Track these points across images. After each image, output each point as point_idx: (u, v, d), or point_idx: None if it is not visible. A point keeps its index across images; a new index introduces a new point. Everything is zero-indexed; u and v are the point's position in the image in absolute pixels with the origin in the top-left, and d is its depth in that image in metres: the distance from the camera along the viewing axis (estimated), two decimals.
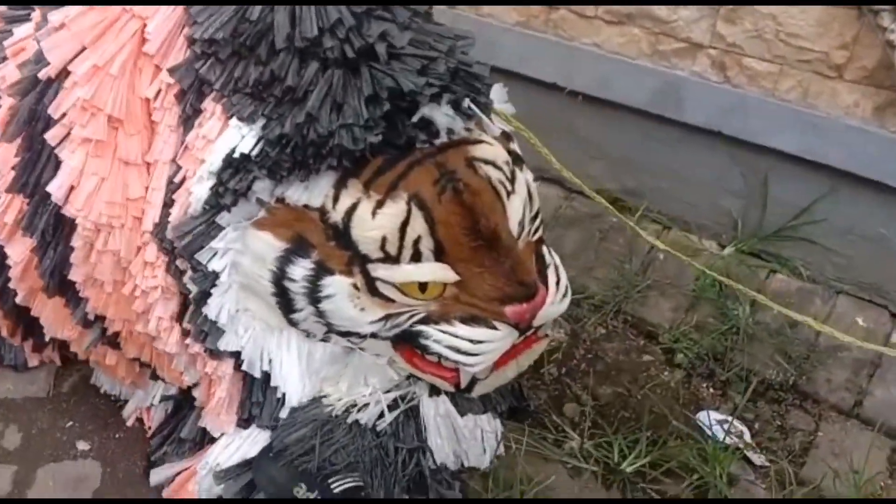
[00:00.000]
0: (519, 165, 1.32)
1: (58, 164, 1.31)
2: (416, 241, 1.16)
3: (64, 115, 1.28)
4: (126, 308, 1.38)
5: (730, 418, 1.83)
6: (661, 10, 1.98)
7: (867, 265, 2.02)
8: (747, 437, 1.82)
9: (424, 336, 1.24)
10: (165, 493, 1.53)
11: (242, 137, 1.17)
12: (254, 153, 1.15)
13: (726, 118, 1.99)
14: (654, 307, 2.09)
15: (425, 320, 1.23)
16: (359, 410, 1.41)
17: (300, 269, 1.21)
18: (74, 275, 1.37)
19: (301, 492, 1.36)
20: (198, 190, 1.21)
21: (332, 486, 1.35)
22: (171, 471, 1.54)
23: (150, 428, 1.64)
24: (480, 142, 1.24)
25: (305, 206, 1.17)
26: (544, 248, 1.35)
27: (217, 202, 1.19)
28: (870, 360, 1.94)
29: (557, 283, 1.31)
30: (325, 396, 1.42)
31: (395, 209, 1.15)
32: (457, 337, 1.23)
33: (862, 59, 1.77)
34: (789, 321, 2.01)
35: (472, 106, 1.23)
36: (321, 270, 1.20)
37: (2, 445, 1.64)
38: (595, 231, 2.27)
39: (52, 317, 1.51)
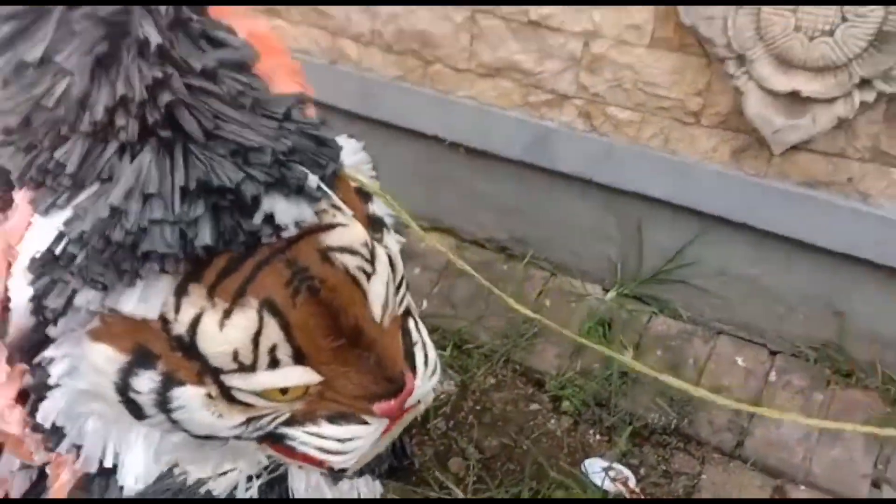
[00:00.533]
0: (378, 232, 1.24)
1: None
2: (272, 349, 1.04)
3: None
4: None
5: (615, 465, 1.82)
6: (528, 63, 2.03)
7: (743, 305, 2.07)
8: (632, 482, 1.82)
9: (290, 438, 1.16)
10: None
11: (44, 236, 1.03)
12: (60, 256, 1.00)
13: (596, 166, 2.03)
14: (542, 354, 2.09)
15: (289, 422, 1.14)
16: (213, 480, 1.34)
17: (146, 381, 1.08)
18: None
19: None
20: (18, 301, 1.07)
21: None
22: None
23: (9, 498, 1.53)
24: (333, 227, 1.11)
25: (143, 318, 1.02)
26: (411, 322, 1.26)
27: (41, 317, 1.04)
28: (750, 401, 1.97)
29: (426, 361, 1.23)
30: (176, 466, 1.35)
31: (244, 320, 1.02)
32: (323, 438, 1.15)
33: (716, 105, 1.84)
34: (672, 362, 2.04)
35: (322, 185, 1.09)
36: (169, 382, 1.07)
37: None
38: (483, 279, 2.27)
39: None
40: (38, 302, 1.02)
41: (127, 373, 1.07)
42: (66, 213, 1.00)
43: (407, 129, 2.29)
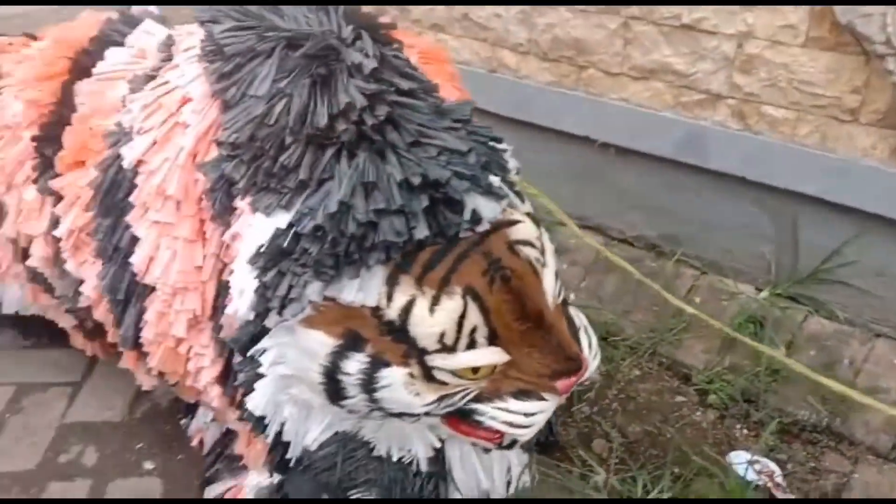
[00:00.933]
0: (538, 226, 1.35)
1: (133, 238, 1.44)
2: (473, 331, 1.18)
3: (141, 198, 1.43)
4: (180, 364, 1.50)
5: (761, 458, 1.84)
6: (681, 65, 2.09)
7: None
8: (778, 476, 1.83)
9: (479, 413, 1.29)
10: None
11: (267, 232, 1.18)
12: (292, 251, 1.15)
13: (750, 164, 2.05)
14: (689, 349, 2.13)
15: (478, 398, 1.27)
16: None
17: (355, 364, 1.22)
18: (147, 333, 1.49)
19: None
20: (242, 293, 1.23)
21: (351, 497, 1.47)
22: (223, 487, 1.68)
23: (204, 447, 1.79)
24: (516, 222, 1.26)
25: (361, 306, 1.18)
26: (571, 310, 1.38)
27: (265, 308, 1.20)
28: None
29: (590, 344, 1.36)
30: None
31: (452, 305, 1.17)
32: (510, 412, 1.27)
33: (875, 103, 1.82)
34: (826, 362, 2.02)
35: (504, 187, 1.26)
36: (377, 363, 1.21)
37: (81, 462, 1.84)
38: (633, 277, 2.35)
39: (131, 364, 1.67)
40: (263, 293, 1.18)
41: (338, 356, 1.21)
42: (290, 213, 1.16)
43: (558, 131, 2.41)
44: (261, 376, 1.31)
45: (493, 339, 1.21)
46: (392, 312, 1.17)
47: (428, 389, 1.24)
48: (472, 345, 1.20)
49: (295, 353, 1.25)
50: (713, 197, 2.19)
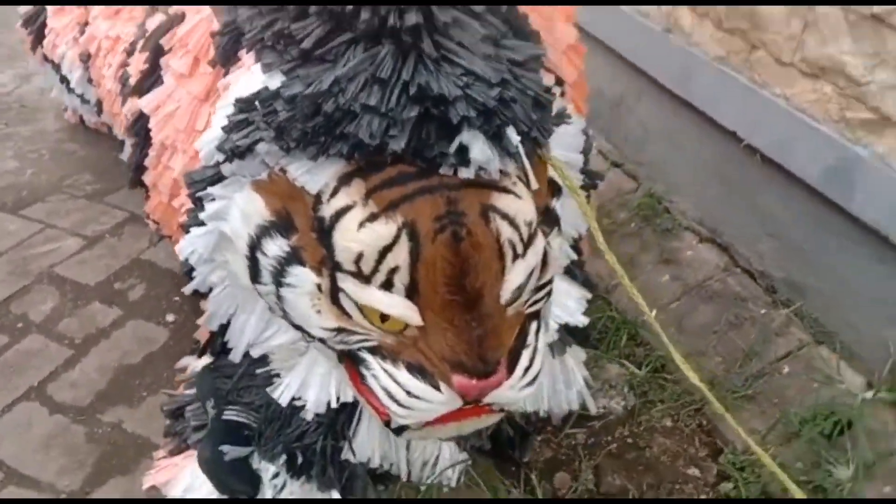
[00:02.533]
0: (549, 227, 1.19)
1: (158, 80, 1.57)
2: (392, 271, 1.06)
3: (171, 47, 1.57)
4: (173, 219, 1.57)
5: None
6: (856, 68, 1.56)
7: None
8: None
9: (366, 366, 1.17)
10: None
11: (257, 85, 1.14)
12: (264, 105, 1.10)
13: None
14: (742, 421, 1.68)
15: (374, 350, 1.16)
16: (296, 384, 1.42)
17: (275, 247, 1.15)
18: (146, 178, 1.64)
19: (208, 406, 1.48)
20: (208, 136, 1.22)
21: (224, 413, 1.45)
22: (186, 362, 1.67)
23: None
24: (507, 192, 1.08)
25: (303, 188, 1.10)
26: (533, 326, 1.21)
27: (223, 150, 1.17)
28: None
29: (527, 369, 1.17)
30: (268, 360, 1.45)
31: (382, 230, 1.04)
32: (395, 382, 1.15)
33: None
34: None
35: (520, 150, 1.08)
36: (293, 258, 1.14)
37: (127, 294, 2.08)
38: (731, 316, 1.90)
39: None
40: (227, 134, 1.14)
41: (265, 231, 1.15)
42: (282, 75, 1.09)
43: (711, 118, 1.98)
44: (201, 224, 1.27)
45: (412, 293, 1.07)
46: (328, 210, 1.07)
47: (330, 312, 1.13)
48: (388, 286, 1.06)
49: (236, 214, 1.20)
50: (856, 251, 1.65)
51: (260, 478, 1.37)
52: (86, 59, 2.11)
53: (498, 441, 1.61)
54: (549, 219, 1.20)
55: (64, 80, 2.45)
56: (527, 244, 1.10)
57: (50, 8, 2.35)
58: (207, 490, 1.39)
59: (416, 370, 1.12)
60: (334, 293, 1.11)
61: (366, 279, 1.07)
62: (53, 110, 2.95)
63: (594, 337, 1.89)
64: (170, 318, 2.00)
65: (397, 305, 1.07)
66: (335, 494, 1.42)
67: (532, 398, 1.56)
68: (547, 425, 1.71)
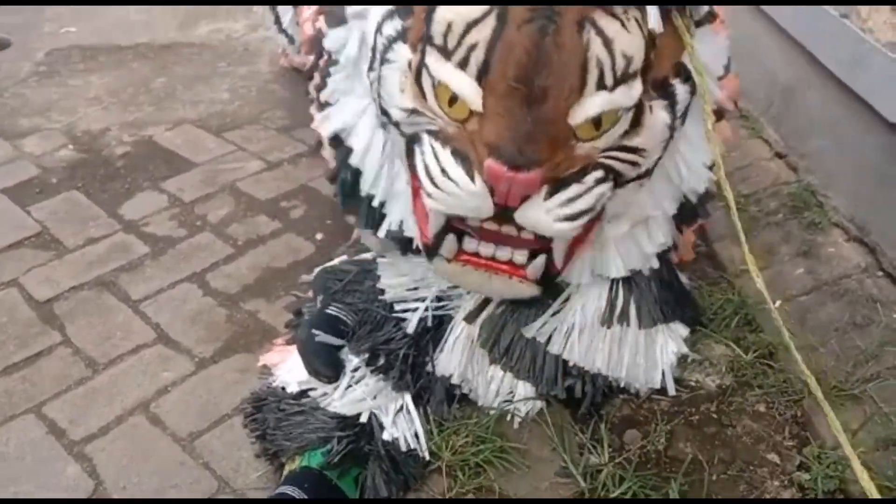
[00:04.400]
0: (660, 97, 1.20)
1: None
2: (472, 48, 1.11)
3: None
4: None
5: None
6: None
7: None
8: None
9: (420, 145, 1.24)
10: None
11: None
12: None
13: None
14: (840, 419, 1.59)
15: (434, 134, 1.22)
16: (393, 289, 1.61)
17: (390, 28, 1.25)
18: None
19: (318, 300, 1.68)
20: None
21: (328, 307, 1.63)
22: None
23: None
24: (614, 17, 1.10)
25: None
26: (598, 173, 1.20)
27: None
28: None
29: (571, 201, 1.18)
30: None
31: (477, 7, 1.11)
32: (437, 160, 1.20)
33: None
34: None
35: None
36: (400, 35, 1.24)
37: (289, 216, 2.37)
38: (858, 317, 1.78)
39: None
40: None
41: (389, 14, 1.27)
42: None
43: (876, 111, 1.85)
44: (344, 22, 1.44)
45: (482, 77, 1.12)
46: None
47: (410, 91, 1.23)
48: (463, 64, 1.14)
49: (371, 9, 1.33)
50: None
51: (343, 367, 1.54)
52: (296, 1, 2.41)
53: (572, 394, 1.65)
54: (663, 91, 1.21)
55: (278, 21, 2.80)
56: (619, 79, 1.11)
57: None
58: (301, 372, 1.59)
59: (458, 154, 1.19)
60: (419, 71, 1.21)
61: (447, 54, 1.15)
62: (269, 55, 3.35)
63: (707, 316, 1.86)
64: (318, 236, 2.25)
65: (465, 84, 1.14)
66: (407, 398, 1.55)
67: (609, 363, 1.60)
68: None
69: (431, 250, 1.38)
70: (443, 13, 1.14)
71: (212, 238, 2.22)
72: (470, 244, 1.36)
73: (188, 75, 3.25)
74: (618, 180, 1.27)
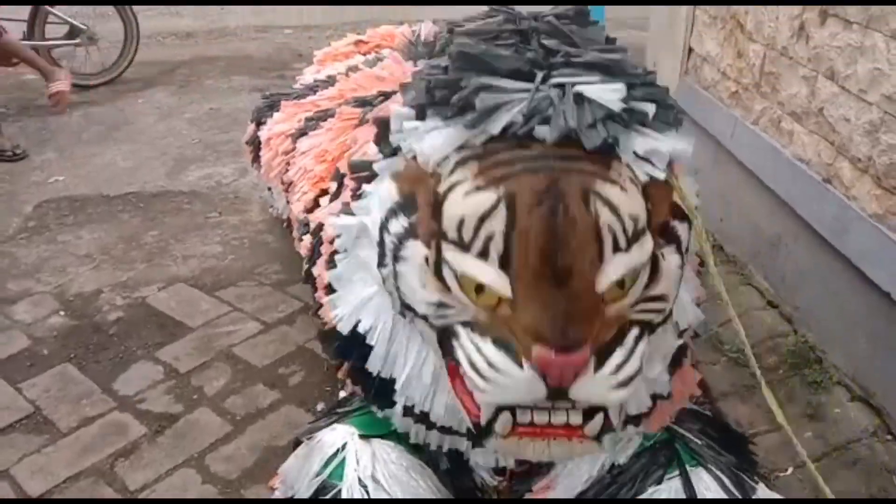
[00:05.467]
0: (670, 245, 1.24)
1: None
2: (489, 239, 1.14)
3: None
4: None
5: None
6: None
7: None
8: None
9: (458, 338, 1.23)
10: None
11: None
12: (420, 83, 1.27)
13: None
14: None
15: (468, 325, 1.22)
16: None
17: (397, 225, 1.28)
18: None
19: None
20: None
21: None
22: None
23: None
24: (613, 182, 1.14)
25: (427, 172, 1.23)
26: (635, 331, 1.20)
27: (381, 151, 1.37)
28: None
29: (618, 369, 1.17)
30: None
31: (483, 197, 1.14)
32: (480, 352, 1.19)
33: None
34: None
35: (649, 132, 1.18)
36: (410, 233, 1.26)
37: (288, 383, 2.34)
38: (874, 488, 1.76)
39: None
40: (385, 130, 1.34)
41: (392, 212, 1.31)
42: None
43: (865, 276, 1.91)
44: (350, 213, 1.47)
45: (505, 264, 1.14)
46: (443, 186, 1.19)
47: (433, 285, 1.23)
48: (484, 254, 1.15)
49: (376, 202, 1.37)
50: None
51: None
52: (287, 188, 2.46)
53: None
54: (668, 235, 1.25)
55: (269, 191, 2.84)
56: (631, 239, 1.14)
57: (263, 138, 2.75)
58: None
59: (501, 344, 1.16)
60: (438, 265, 1.21)
61: (465, 247, 1.16)
62: (259, 203, 3.40)
63: None
64: (319, 406, 2.21)
65: (490, 273, 1.14)
66: None
67: None
68: None
69: (484, 431, 1.31)
70: (453, 210, 1.17)
71: (209, 414, 2.18)
72: (524, 416, 1.27)
73: (179, 227, 3.27)
74: (652, 330, 1.27)
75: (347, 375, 1.62)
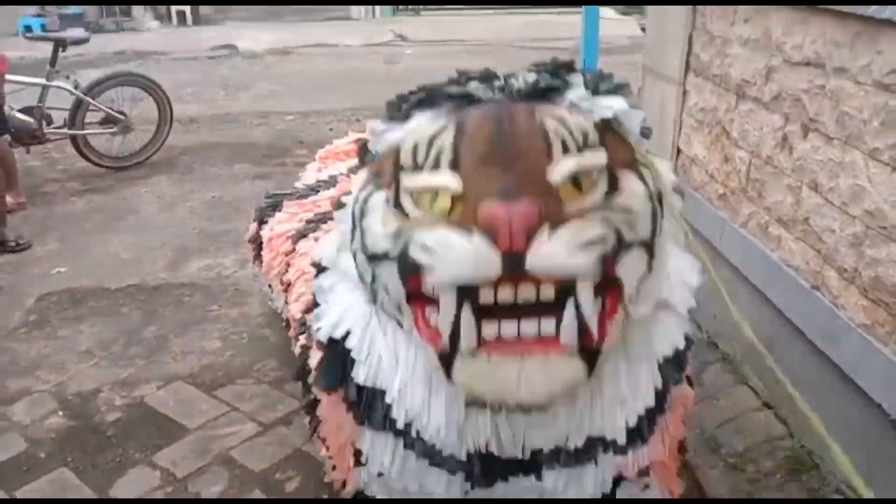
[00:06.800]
0: (633, 171, 1.26)
1: None
2: (439, 152, 1.21)
3: None
4: None
5: None
6: None
7: None
8: None
9: (413, 241, 1.19)
10: None
11: None
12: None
13: None
14: None
15: (421, 230, 1.20)
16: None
17: (365, 192, 1.35)
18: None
19: None
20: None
21: None
22: None
23: None
24: (560, 108, 1.25)
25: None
26: (598, 219, 1.16)
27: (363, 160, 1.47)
28: None
29: (576, 233, 1.11)
30: None
31: (436, 124, 1.24)
32: (431, 234, 1.16)
33: None
34: None
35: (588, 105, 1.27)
36: (374, 189, 1.32)
37: (284, 489, 2.33)
38: None
39: None
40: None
41: (361, 189, 1.36)
42: None
43: (857, 385, 1.93)
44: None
45: (455, 166, 1.19)
46: (403, 134, 1.28)
47: (392, 218, 1.25)
48: (436, 166, 1.20)
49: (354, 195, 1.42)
50: None
51: None
52: (286, 288, 2.50)
53: None
54: (630, 168, 1.26)
55: (269, 287, 2.88)
56: (581, 146, 1.20)
57: (265, 237, 2.81)
58: None
59: (452, 225, 1.15)
60: (397, 197, 1.25)
61: (419, 168, 1.21)
62: (259, 295, 3.43)
63: None
64: None
65: (441, 177, 1.19)
66: None
67: None
68: None
69: (450, 353, 1.22)
70: (408, 141, 1.25)
71: None
72: (489, 328, 1.20)
73: (179, 321, 3.30)
74: (621, 241, 1.21)
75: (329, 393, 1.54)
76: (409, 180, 1.23)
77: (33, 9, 12.58)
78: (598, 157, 1.21)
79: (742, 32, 2.50)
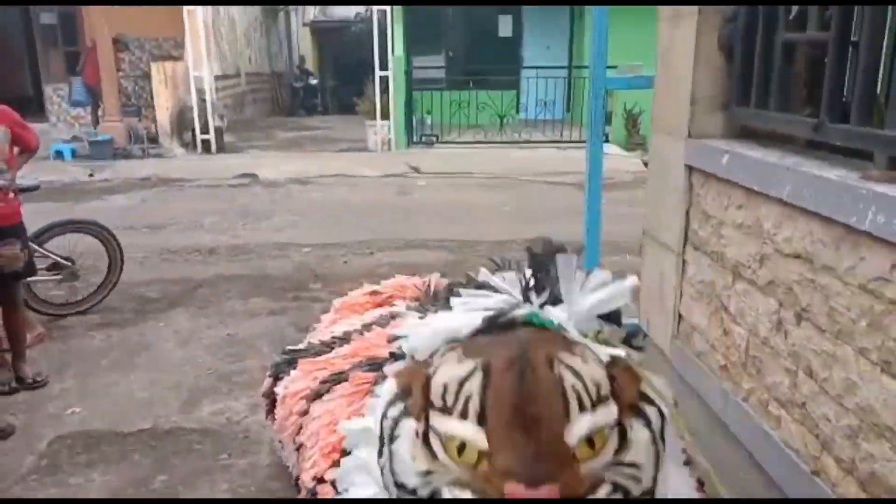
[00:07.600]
0: (639, 419, 1.35)
1: None
2: (468, 399, 1.30)
3: None
4: None
5: None
6: None
7: None
8: None
9: (443, 494, 1.32)
10: None
11: None
12: None
13: None
14: None
15: (451, 482, 1.32)
16: None
17: (395, 410, 1.44)
18: None
19: None
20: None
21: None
22: None
23: None
24: (575, 354, 1.34)
25: (423, 364, 1.42)
26: (606, 490, 1.29)
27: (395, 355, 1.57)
28: None
29: None
30: None
31: (464, 366, 1.34)
32: (460, 492, 1.29)
33: None
34: None
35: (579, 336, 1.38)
36: (404, 413, 1.41)
37: None
38: None
39: None
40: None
41: (390, 402, 1.47)
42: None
43: None
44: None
45: (482, 420, 1.28)
46: (433, 368, 1.37)
47: (421, 455, 1.35)
48: (464, 414, 1.30)
49: (379, 402, 1.51)
50: None
51: None
52: (298, 447, 2.57)
53: None
54: (635, 413, 1.37)
55: (280, 443, 2.94)
56: (595, 402, 1.29)
57: (279, 395, 2.91)
58: None
59: (477, 494, 1.26)
60: (426, 434, 1.34)
61: (448, 411, 1.30)
62: (269, 443, 3.48)
63: None
64: None
65: (469, 429, 1.28)
66: None
67: None
68: None
69: None
70: (439, 379, 1.35)
71: None
72: None
73: (189, 470, 3.34)
74: (627, 498, 1.33)
75: None
76: (439, 423, 1.34)
77: (66, 133, 13.22)
78: (609, 414, 1.33)
79: (735, 217, 2.66)
